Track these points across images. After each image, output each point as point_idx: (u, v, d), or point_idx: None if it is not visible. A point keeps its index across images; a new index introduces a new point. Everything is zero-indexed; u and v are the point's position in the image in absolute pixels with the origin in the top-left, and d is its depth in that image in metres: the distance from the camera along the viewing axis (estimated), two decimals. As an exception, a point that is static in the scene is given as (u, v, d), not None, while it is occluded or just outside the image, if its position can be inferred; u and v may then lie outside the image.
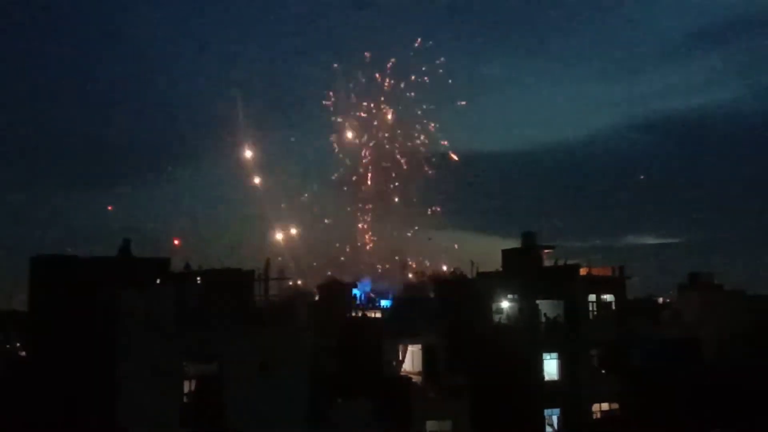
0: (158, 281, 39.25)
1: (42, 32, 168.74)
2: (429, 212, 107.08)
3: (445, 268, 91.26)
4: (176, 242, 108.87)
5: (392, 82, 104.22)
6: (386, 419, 40.99)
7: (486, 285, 54.62)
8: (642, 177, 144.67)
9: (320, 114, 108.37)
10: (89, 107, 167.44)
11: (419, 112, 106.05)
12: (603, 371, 50.74)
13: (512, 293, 52.45)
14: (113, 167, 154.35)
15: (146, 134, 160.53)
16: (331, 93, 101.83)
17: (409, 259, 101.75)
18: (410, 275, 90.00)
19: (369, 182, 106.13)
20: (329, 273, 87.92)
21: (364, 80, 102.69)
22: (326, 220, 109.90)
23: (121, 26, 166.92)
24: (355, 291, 71.23)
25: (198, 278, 43.12)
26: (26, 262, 40.55)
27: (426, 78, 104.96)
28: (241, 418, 34.22)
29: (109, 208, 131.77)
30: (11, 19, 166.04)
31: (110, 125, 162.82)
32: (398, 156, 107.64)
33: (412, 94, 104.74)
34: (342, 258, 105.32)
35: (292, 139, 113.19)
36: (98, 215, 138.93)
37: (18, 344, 50.66)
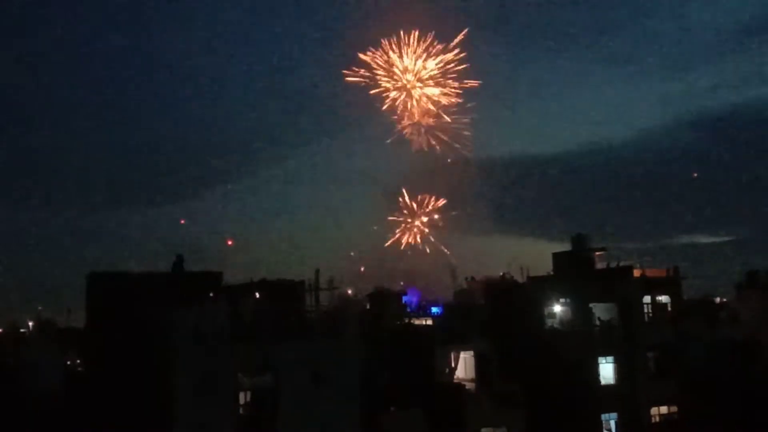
0: (211, 295, 39.78)
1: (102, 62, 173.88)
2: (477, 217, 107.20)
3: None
4: (229, 242, 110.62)
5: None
6: (440, 427, 40.83)
7: (537, 290, 54.11)
8: (695, 175, 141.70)
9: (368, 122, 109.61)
10: (144, 125, 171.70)
11: (465, 119, 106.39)
12: (660, 374, 49.74)
13: (564, 297, 51.79)
14: (171, 184, 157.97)
15: (200, 151, 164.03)
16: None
17: (458, 265, 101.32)
18: (461, 281, 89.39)
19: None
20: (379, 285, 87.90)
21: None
22: (375, 227, 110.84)
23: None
24: (405, 298, 71.08)
25: (255, 292, 43.50)
26: (83, 279, 41.54)
27: (470, 83, 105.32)
28: (295, 428, 34.43)
29: (182, 221, 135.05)
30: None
31: (166, 143, 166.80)
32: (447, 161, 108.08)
33: (458, 100, 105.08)
34: (391, 264, 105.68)
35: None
36: (158, 231, 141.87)
37: (77, 360, 51.74)
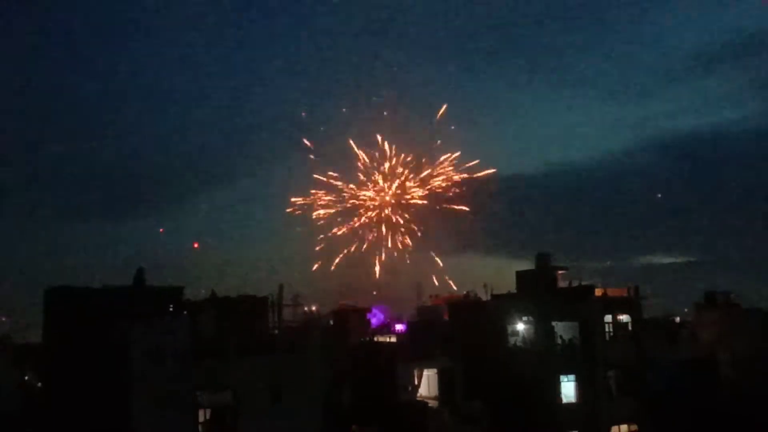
0: (171, 309, 39.24)
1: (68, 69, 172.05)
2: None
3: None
4: (195, 245, 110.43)
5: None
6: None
7: (500, 307, 54.31)
8: (659, 196, 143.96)
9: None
10: (108, 137, 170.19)
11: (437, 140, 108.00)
12: (621, 393, 50.10)
13: (527, 315, 52.07)
14: (136, 198, 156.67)
15: (170, 164, 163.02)
16: None
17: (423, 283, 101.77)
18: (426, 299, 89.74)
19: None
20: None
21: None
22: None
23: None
24: (369, 315, 71.00)
25: (217, 307, 43.05)
26: (41, 293, 40.68)
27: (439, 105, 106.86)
28: (254, 447, 34.03)
29: (161, 230, 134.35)
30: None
31: (131, 157, 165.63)
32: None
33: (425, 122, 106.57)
34: (357, 283, 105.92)
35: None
36: (122, 245, 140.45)
37: (34, 377, 50.75)
